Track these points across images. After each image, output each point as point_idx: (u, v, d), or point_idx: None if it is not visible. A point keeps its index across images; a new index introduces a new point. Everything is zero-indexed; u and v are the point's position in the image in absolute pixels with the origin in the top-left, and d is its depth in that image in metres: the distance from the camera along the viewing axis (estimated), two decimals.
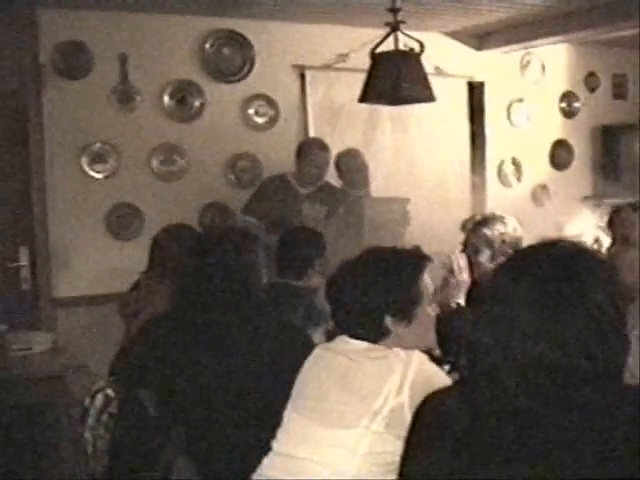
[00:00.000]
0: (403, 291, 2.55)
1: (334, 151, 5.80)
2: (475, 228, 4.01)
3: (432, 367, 2.46)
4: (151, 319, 3.16)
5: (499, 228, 3.95)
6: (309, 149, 5.61)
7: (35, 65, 5.43)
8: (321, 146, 5.61)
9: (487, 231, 3.95)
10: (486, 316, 1.68)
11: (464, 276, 3.72)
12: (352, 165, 5.91)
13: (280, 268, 4.39)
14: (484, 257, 3.91)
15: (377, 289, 2.51)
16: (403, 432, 2.22)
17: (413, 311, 2.56)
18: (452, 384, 2.21)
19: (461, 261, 3.75)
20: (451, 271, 3.75)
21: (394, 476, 2.25)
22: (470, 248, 3.97)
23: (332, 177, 5.86)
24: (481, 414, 1.65)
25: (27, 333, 4.79)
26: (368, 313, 2.51)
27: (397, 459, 2.22)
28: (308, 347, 2.74)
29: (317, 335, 4.09)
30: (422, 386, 2.29)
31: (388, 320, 2.52)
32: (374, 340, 2.51)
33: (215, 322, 2.88)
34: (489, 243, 3.93)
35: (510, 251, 3.79)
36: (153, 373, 2.94)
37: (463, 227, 4.20)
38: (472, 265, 3.80)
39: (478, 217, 4.14)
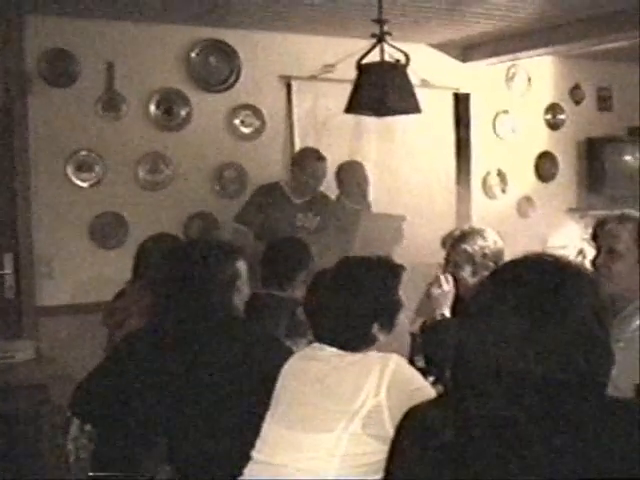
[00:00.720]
0: (388, 299, 2.60)
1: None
2: (455, 244, 4.02)
3: (409, 369, 2.49)
4: (127, 336, 3.15)
5: (479, 243, 3.96)
6: (307, 159, 5.62)
7: (21, 72, 5.41)
8: (319, 157, 5.63)
9: (467, 247, 3.96)
10: (471, 328, 1.70)
11: (450, 287, 3.74)
12: (352, 177, 5.90)
13: (264, 278, 4.39)
14: (466, 273, 3.92)
15: (364, 297, 2.55)
16: (381, 432, 2.25)
17: (395, 319, 2.60)
18: (437, 396, 2.22)
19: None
20: (436, 282, 3.77)
21: (374, 476, 2.26)
22: (451, 264, 3.99)
23: (331, 187, 5.88)
24: (466, 426, 1.65)
25: (10, 342, 4.78)
26: (355, 321, 2.54)
27: (375, 459, 2.24)
28: (286, 357, 2.75)
29: (301, 346, 4.08)
30: (400, 386, 2.33)
31: (375, 328, 2.55)
32: (359, 349, 2.52)
33: (193, 336, 2.88)
34: (470, 258, 3.94)
35: (492, 264, 3.82)
36: (133, 391, 2.93)
37: (443, 243, 4.22)
38: (455, 281, 3.82)
39: (457, 232, 4.15)
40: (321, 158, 5.61)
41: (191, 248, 3.19)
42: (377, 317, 2.56)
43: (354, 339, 2.53)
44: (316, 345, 2.61)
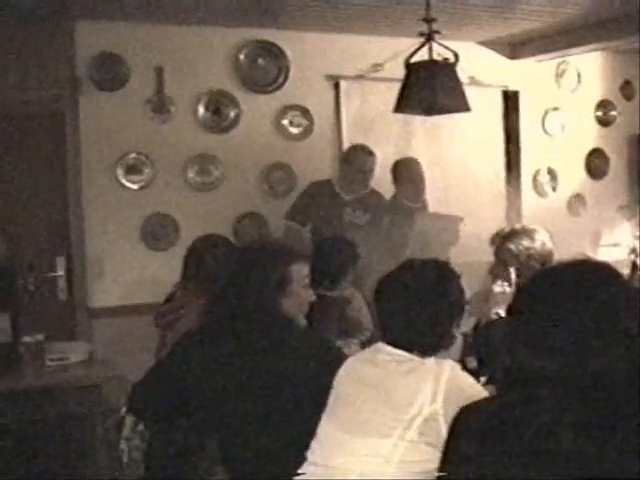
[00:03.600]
0: (462, 299, 2.66)
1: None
2: (502, 243, 4.00)
3: (464, 376, 2.50)
4: (183, 337, 3.15)
5: (525, 243, 3.94)
6: (355, 154, 5.64)
7: (72, 77, 5.48)
8: (367, 151, 5.64)
9: (512, 246, 3.94)
10: (513, 332, 1.72)
11: (512, 286, 3.71)
12: (406, 175, 5.87)
13: (314, 279, 4.39)
14: (512, 272, 3.90)
15: (444, 299, 2.59)
16: (437, 440, 2.24)
17: (462, 320, 2.66)
18: (489, 397, 2.21)
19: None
20: (497, 279, 3.75)
21: None
22: (498, 262, 3.97)
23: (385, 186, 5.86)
24: (518, 428, 1.66)
25: (64, 343, 4.82)
26: (437, 324, 2.56)
27: (431, 467, 2.23)
28: (338, 359, 2.75)
29: (352, 346, 4.09)
30: (455, 394, 2.32)
31: (454, 328, 2.60)
32: (439, 350, 2.55)
33: (243, 339, 2.88)
34: (515, 258, 3.91)
35: (537, 266, 3.79)
36: (188, 392, 2.94)
37: (492, 241, 4.19)
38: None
39: (506, 231, 4.12)
40: (369, 152, 5.62)
41: (244, 251, 3.19)
42: (455, 317, 2.62)
43: (436, 341, 2.56)
44: (378, 347, 2.61)
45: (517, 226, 4.24)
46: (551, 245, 4.00)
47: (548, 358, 1.64)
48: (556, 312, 1.67)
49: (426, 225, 5.47)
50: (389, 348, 2.56)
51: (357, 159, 5.58)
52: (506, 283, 3.82)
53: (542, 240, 3.99)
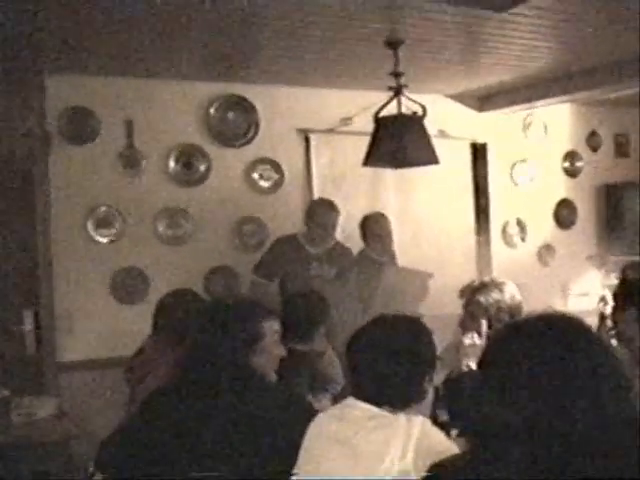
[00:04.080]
0: (434, 354, 2.68)
1: (341, 213, 5.82)
2: (472, 295, 4.04)
3: (435, 431, 2.49)
4: (152, 393, 3.12)
5: (494, 296, 3.98)
6: (316, 209, 5.64)
7: (42, 130, 5.47)
8: (328, 206, 5.62)
9: (482, 299, 3.98)
10: (487, 386, 1.73)
11: (483, 339, 3.73)
12: (375, 230, 5.85)
13: (284, 332, 4.37)
14: (482, 325, 3.93)
15: (416, 355, 2.60)
16: None
17: (433, 375, 2.68)
18: (459, 453, 2.20)
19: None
20: (468, 332, 3.78)
21: None
22: (468, 315, 4.00)
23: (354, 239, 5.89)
24: None
25: (31, 398, 4.76)
26: (410, 379, 2.57)
27: None
28: (309, 415, 2.74)
29: (324, 400, 4.07)
30: (426, 450, 2.32)
31: (426, 382, 2.61)
32: (410, 405, 2.55)
33: (216, 396, 2.85)
34: (485, 311, 3.95)
35: (507, 318, 3.82)
36: (157, 451, 2.90)
37: (462, 293, 4.22)
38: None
39: (475, 284, 4.16)
40: (331, 208, 5.60)
41: (215, 307, 3.17)
42: (427, 373, 2.62)
43: (407, 396, 2.57)
44: (348, 402, 2.60)
45: (486, 279, 4.28)
46: (520, 297, 4.04)
47: (513, 412, 1.64)
48: (522, 366, 1.68)
49: (394, 279, 5.47)
50: (360, 403, 2.56)
51: (318, 214, 5.58)
52: (476, 335, 3.85)
53: (511, 292, 4.03)
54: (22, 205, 5.50)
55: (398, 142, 4.91)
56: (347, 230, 5.99)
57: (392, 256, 5.95)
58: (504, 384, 1.69)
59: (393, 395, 2.54)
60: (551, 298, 6.93)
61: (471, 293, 4.06)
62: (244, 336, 2.92)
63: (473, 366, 3.68)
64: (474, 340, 3.79)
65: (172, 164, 5.89)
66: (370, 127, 5.10)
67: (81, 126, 5.61)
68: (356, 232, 5.92)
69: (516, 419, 1.64)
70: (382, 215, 6.01)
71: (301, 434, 2.63)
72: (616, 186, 7.53)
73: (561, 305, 7.03)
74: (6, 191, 5.45)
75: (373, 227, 5.88)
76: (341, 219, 5.76)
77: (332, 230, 5.62)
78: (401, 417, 2.46)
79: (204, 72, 5.69)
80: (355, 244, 5.90)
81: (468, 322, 3.94)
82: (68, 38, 4.70)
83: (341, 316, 4.87)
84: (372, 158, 5.09)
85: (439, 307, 5.31)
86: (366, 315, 4.70)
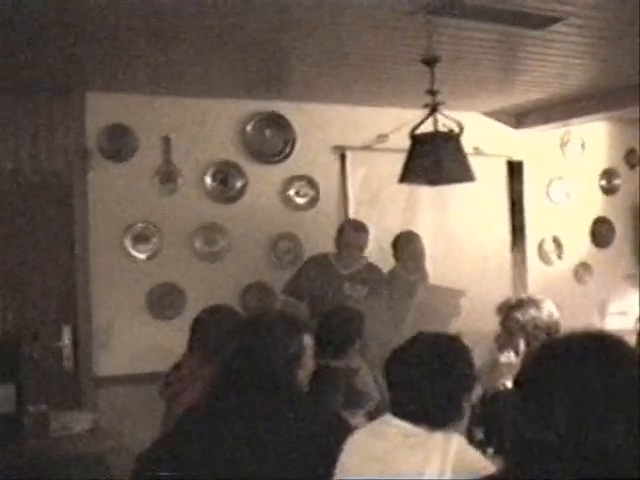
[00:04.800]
0: (474, 373, 2.66)
1: (375, 230, 5.83)
2: (509, 313, 4.01)
3: (471, 450, 2.48)
4: (190, 409, 3.12)
5: (532, 313, 3.94)
6: (346, 230, 5.65)
7: (81, 147, 5.54)
8: (357, 227, 5.65)
9: (519, 316, 3.94)
10: (523, 404, 1.71)
11: (519, 357, 3.71)
12: (408, 250, 5.87)
13: (319, 349, 4.37)
14: (519, 343, 3.90)
15: (457, 373, 2.59)
16: None
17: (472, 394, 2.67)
18: (496, 472, 2.19)
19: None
20: (504, 349, 3.75)
21: None
22: (504, 332, 3.97)
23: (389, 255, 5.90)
24: None
25: (68, 413, 4.79)
26: (450, 398, 2.55)
27: None
28: (346, 432, 2.72)
29: (358, 417, 4.06)
30: (463, 469, 2.30)
31: (465, 402, 2.59)
32: (449, 424, 2.52)
33: (256, 412, 2.84)
34: (522, 328, 3.91)
35: (544, 336, 3.79)
36: (192, 468, 2.91)
37: (499, 310, 4.17)
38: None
39: (512, 301, 4.12)
40: (360, 229, 5.62)
41: (257, 321, 3.15)
42: (466, 392, 2.61)
43: (445, 415, 2.54)
44: (385, 419, 2.59)
45: (524, 296, 4.24)
46: (558, 315, 4.00)
47: (551, 432, 1.62)
48: (561, 385, 1.66)
49: (426, 297, 5.46)
50: (397, 421, 2.55)
51: (347, 235, 5.61)
52: (512, 353, 3.82)
53: (549, 310, 3.99)
54: (61, 221, 5.56)
55: (434, 159, 4.91)
56: (383, 246, 5.98)
57: (424, 274, 5.95)
58: (541, 403, 1.67)
59: (432, 414, 2.52)
60: (588, 317, 6.87)
61: (508, 310, 4.03)
62: (292, 351, 2.92)
63: (509, 384, 3.66)
64: (510, 358, 3.76)
65: (209, 180, 5.93)
66: (406, 144, 5.10)
67: (120, 143, 5.68)
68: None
69: (554, 439, 1.62)
70: (414, 234, 6.00)
71: (338, 450, 2.62)
72: None
73: (598, 324, 6.97)
74: (45, 207, 5.52)
75: (405, 246, 5.88)
76: (376, 235, 5.77)
77: (360, 251, 5.62)
78: (437, 435, 2.45)
79: (241, 90, 5.73)
80: (390, 262, 5.90)
81: (505, 339, 3.91)
82: (109, 57, 4.78)
83: (374, 334, 4.87)
84: (408, 175, 5.10)
85: (474, 324, 5.29)
86: (398, 334, 4.70)
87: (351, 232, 5.61)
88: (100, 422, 4.93)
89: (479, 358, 3.86)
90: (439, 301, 5.46)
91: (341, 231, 5.68)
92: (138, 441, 4.00)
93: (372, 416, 3.77)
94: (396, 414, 2.57)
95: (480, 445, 2.97)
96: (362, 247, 5.62)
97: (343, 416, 3.28)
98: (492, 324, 4.43)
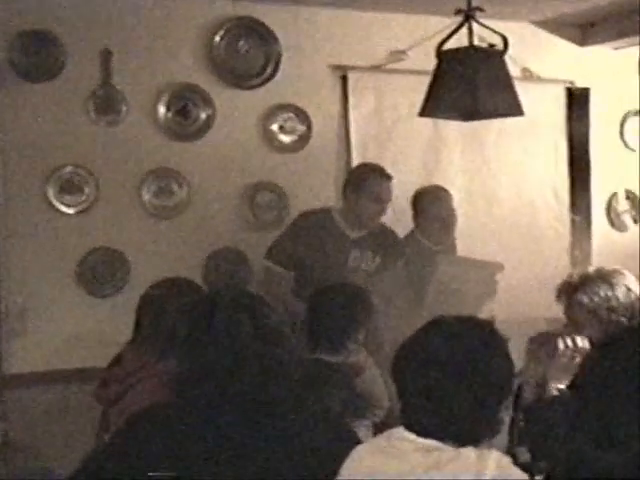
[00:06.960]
0: (511, 373, 2.64)
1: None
2: (572, 295, 3.94)
3: (516, 473, 2.48)
4: (137, 415, 3.13)
5: (602, 292, 3.87)
6: (369, 178, 5.55)
7: None
8: (382, 174, 5.56)
9: (585, 298, 3.88)
10: (580, 418, 1.72)
11: (574, 357, 3.65)
12: (432, 210, 5.86)
13: (311, 340, 4.40)
14: (592, 332, 3.82)
15: (492, 376, 2.56)
16: None
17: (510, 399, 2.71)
18: None
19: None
20: (563, 342, 3.70)
21: None
22: (571, 323, 3.92)
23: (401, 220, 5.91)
24: None
25: None
26: (481, 405, 2.54)
27: None
28: (350, 444, 2.74)
29: (360, 429, 4.09)
30: None
31: (502, 411, 2.58)
32: (482, 440, 2.53)
33: (230, 421, 2.85)
34: (590, 314, 3.85)
35: (624, 321, 3.75)
36: None
37: (559, 295, 4.09)
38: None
39: (575, 278, 4.05)
40: (388, 177, 5.56)
41: (220, 297, 3.13)
42: (502, 397, 2.59)
43: (477, 429, 2.54)
44: (397, 433, 2.59)
45: (590, 270, 4.16)
46: (638, 291, 3.94)
47: (616, 453, 1.63)
48: (629, 391, 1.67)
49: (450, 272, 5.46)
50: (412, 435, 2.55)
51: (371, 185, 5.51)
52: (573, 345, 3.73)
53: (625, 286, 3.93)
54: None
55: (468, 85, 4.92)
56: (397, 205, 5.95)
57: (452, 244, 5.95)
58: (605, 416, 1.68)
59: (456, 428, 2.51)
60: None
61: (571, 291, 3.96)
62: (274, 334, 2.92)
63: (563, 387, 3.66)
64: (572, 354, 3.68)
65: (162, 110, 5.94)
66: (431, 64, 5.10)
67: (40, 57, 5.65)
68: (408, 212, 5.94)
69: (620, 462, 1.63)
70: (441, 189, 5.98)
71: (338, 467, 2.63)
72: None
73: None
74: None
75: (429, 205, 5.84)
76: None
77: (386, 206, 5.53)
78: (469, 452, 2.45)
79: None
80: (405, 226, 5.92)
81: (569, 331, 3.83)
82: None
83: (387, 320, 4.89)
84: (433, 106, 5.10)
85: (520, 310, 5.32)
86: (416, 320, 4.71)
87: (376, 180, 5.54)
88: (10, 435, 4.97)
89: (515, 351, 3.89)
90: (468, 278, 5.47)
91: (359, 178, 5.59)
92: (62, 460, 4.04)
93: (379, 429, 3.80)
94: (410, 428, 2.57)
95: (525, 469, 2.99)
96: (387, 201, 5.56)
97: (349, 425, 3.30)
98: (543, 309, 4.45)
